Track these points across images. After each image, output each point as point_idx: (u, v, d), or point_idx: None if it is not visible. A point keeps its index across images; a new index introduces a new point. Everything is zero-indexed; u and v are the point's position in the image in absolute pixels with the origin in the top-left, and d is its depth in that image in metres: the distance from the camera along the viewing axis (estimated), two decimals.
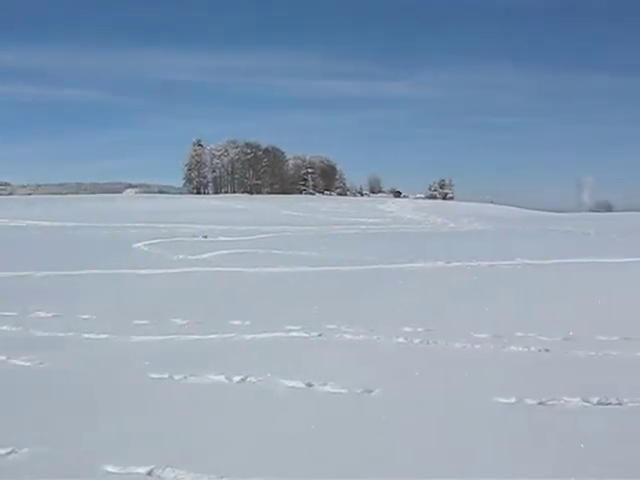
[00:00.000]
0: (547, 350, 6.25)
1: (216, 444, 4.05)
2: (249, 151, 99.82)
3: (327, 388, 5.13)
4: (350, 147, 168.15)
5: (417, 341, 6.64)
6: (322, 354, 6.20)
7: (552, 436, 4.16)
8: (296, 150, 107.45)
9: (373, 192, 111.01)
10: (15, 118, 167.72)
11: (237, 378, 5.37)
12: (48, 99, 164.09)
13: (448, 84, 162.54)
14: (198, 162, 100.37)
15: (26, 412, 4.69)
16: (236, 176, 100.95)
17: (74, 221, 28.58)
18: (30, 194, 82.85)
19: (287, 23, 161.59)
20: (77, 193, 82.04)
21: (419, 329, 7.04)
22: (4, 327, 7.36)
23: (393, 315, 7.91)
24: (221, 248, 16.69)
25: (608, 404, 4.72)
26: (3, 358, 6.06)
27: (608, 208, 78.09)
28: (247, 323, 7.41)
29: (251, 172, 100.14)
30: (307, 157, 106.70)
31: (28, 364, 5.88)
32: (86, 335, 6.95)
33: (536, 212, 57.13)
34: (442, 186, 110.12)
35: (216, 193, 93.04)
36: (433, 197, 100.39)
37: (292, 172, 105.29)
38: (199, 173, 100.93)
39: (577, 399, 4.79)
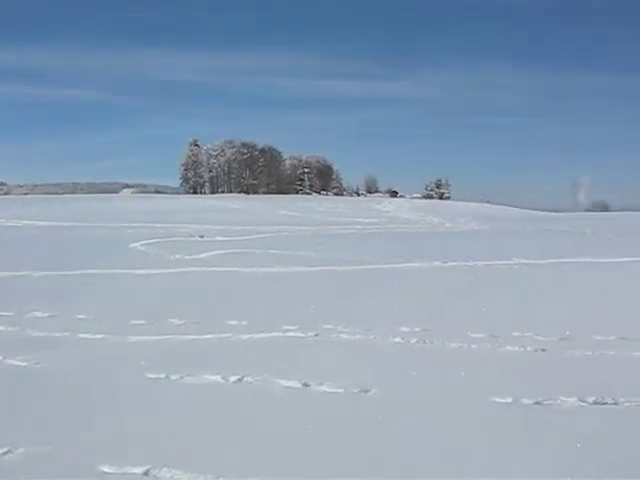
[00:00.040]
0: (544, 350, 6.26)
1: (213, 444, 4.05)
2: (246, 151, 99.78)
3: (324, 388, 5.13)
4: (347, 147, 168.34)
5: (414, 341, 6.64)
6: (319, 354, 6.20)
7: (549, 436, 4.16)
8: (292, 150, 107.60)
9: (370, 192, 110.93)
10: (11, 118, 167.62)
11: (234, 378, 5.37)
12: (45, 99, 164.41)
13: (445, 84, 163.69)
14: (195, 162, 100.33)
15: (22, 412, 4.69)
16: (233, 176, 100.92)
17: (71, 221, 28.53)
18: (27, 194, 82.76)
19: (285, 23, 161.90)
20: (74, 193, 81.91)
21: (416, 329, 7.04)
22: (0, 327, 7.36)
23: (390, 315, 7.91)
24: (218, 248, 16.68)
25: (604, 404, 4.73)
26: None
27: (604, 208, 78.15)
28: (244, 323, 7.41)
29: (248, 172, 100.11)
30: (303, 157, 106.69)
31: (24, 364, 5.87)
32: (82, 335, 6.95)
33: (532, 212, 57.15)
34: (439, 186, 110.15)
35: (213, 193, 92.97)
36: (430, 197, 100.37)
37: (289, 172, 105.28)
38: (196, 173, 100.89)
39: (573, 399, 4.80)
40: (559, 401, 4.77)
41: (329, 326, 7.21)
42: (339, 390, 5.07)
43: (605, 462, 3.74)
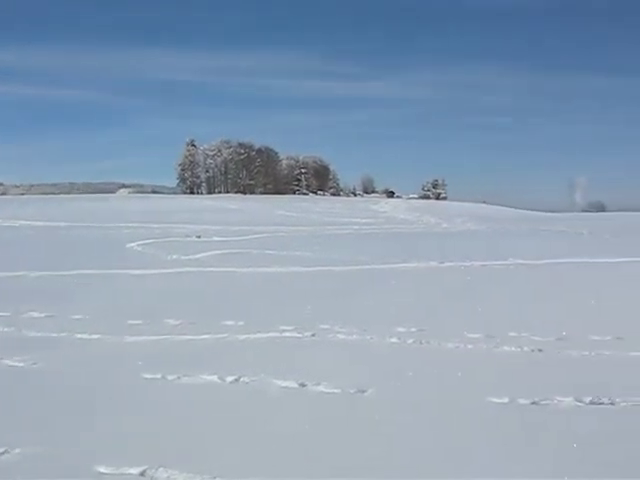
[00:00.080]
0: (540, 350, 6.26)
1: (209, 444, 4.05)
2: (242, 151, 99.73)
3: (320, 388, 5.13)
4: (343, 147, 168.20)
5: (410, 341, 6.65)
6: (315, 354, 6.20)
7: (545, 436, 4.17)
8: (289, 150, 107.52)
9: (366, 192, 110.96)
10: (7, 118, 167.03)
11: (230, 378, 5.37)
12: (41, 99, 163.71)
13: (441, 84, 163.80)
14: (191, 162, 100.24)
15: (19, 412, 4.68)
16: (229, 176, 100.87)
17: (67, 221, 28.51)
18: (23, 194, 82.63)
19: (281, 24, 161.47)
20: (70, 193, 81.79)
21: (412, 329, 7.04)
22: None
23: (386, 315, 7.92)
24: (214, 248, 16.67)
25: (601, 404, 4.73)
26: None
27: (601, 208, 78.24)
28: (240, 323, 7.41)
29: (244, 172, 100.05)
30: (300, 157, 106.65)
31: (21, 364, 5.86)
32: (79, 335, 6.94)
33: (529, 212, 57.21)
34: (435, 186, 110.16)
35: (209, 193, 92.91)
36: (426, 197, 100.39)
37: (285, 172, 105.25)
38: (192, 173, 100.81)
39: (570, 399, 4.80)
40: (555, 401, 4.78)
41: (326, 326, 7.21)
42: (336, 390, 5.07)
43: (602, 462, 3.75)
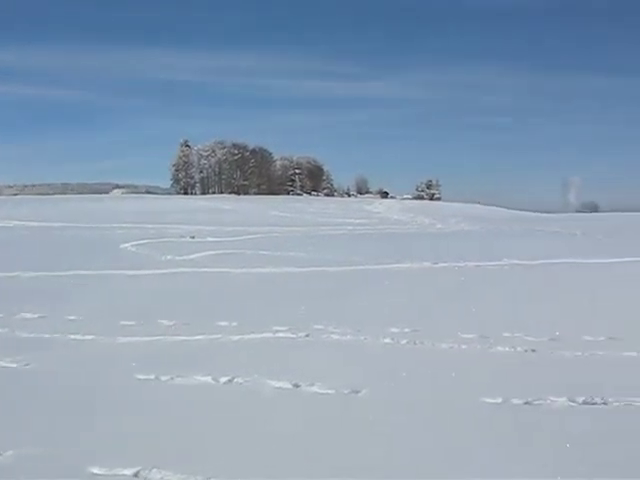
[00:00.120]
0: (533, 350, 6.28)
1: (203, 445, 4.05)
2: (236, 152, 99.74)
3: (314, 389, 5.13)
4: (337, 148, 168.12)
5: (404, 342, 6.65)
6: (309, 355, 6.20)
7: (538, 436, 4.18)
8: (283, 151, 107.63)
9: (360, 193, 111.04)
10: (5, 118, 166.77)
11: (224, 379, 5.37)
12: (35, 99, 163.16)
13: (435, 85, 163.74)
14: (185, 163, 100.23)
15: (11, 414, 4.67)
16: (223, 177, 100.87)
17: (61, 221, 28.44)
18: (17, 194, 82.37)
19: (275, 24, 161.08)
20: (64, 193, 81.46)
21: (406, 330, 7.05)
22: None
23: (380, 316, 7.92)
24: (209, 249, 16.66)
25: (594, 404, 4.75)
26: None
27: (594, 209, 78.45)
28: (234, 324, 7.41)
29: (238, 173, 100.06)
30: (294, 158, 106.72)
31: (14, 365, 5.85)
32: (72, 336, 6.93)
33: (523, 213, 57.30)
34: (429, 186, 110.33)
35: (203, 194, 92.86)
36: (420, 198, 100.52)
37: (279, 173, 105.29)
38: (186, 174, 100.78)
39: (563, 399, 4.82)
40: (549, 401, 4.79)
41: (320, 327, 7.21)
42: (330, 391, 5.07)
43: (594, 462, 3.76)
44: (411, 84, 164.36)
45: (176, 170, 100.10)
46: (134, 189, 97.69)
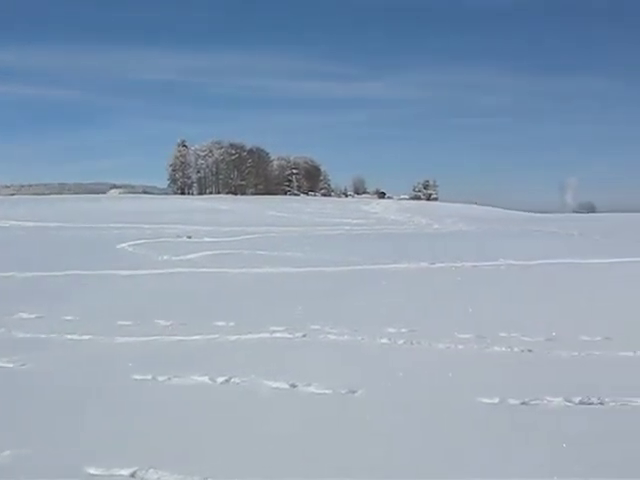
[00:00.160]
0: (530, 350, 6.28)
1: (200, 445, 4.04)
2: (234, 152, 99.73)
3: (311, 389, 5.13)
4: (334, 148, 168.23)
5: (401, 342, 6.65)
6: (306, 355, 6.20)
7: (535, 436, 4.18)
8: (280, 151, 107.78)
9: (357, 193, 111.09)
10: (4, 118, 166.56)
11: (221, 379, 5.36)
12: (33, 99, 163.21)
13: (432, 85, 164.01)
14: (182, 163, 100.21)
15: (8, 414, 4.67)
16: (220, 177, 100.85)
17: (58, 221, 28.43)
18: (13, 194, 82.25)
19: (271, 23, 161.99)
20: (60, 193, 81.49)
21: (403, 330, 7.05)
22: None
23: (377, 316, 7.93)
24: (205, 249, 16.65)
25: (590, 404, 4.75)
26: None
27: (591, 209, 78.67)
28: (231, 324, 7.40)
29: (236, 173, 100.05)
30: (291, 158, 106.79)
31: (10, 365, 5.84)
32: (69, 336, 6.92)
33: (520, 213, 57.41)
34: (426, 187, 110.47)
35: (200, 194, 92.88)
36: (417, 198, 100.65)
37: (276, 173, 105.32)
38: (183, 174, 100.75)
39: (559, 399, 4.82)
40: (545, 401, 4.79)
41: (317, 327, 7.21)
42: (327, 391, 5.07)
43: (591, 462, 3.76)
44: (409, 84, 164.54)
45: (173, 170, 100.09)
46: (131, 189, 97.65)
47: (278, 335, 6.92)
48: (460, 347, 6.40)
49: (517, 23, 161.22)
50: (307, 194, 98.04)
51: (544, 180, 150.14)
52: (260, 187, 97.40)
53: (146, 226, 25.85)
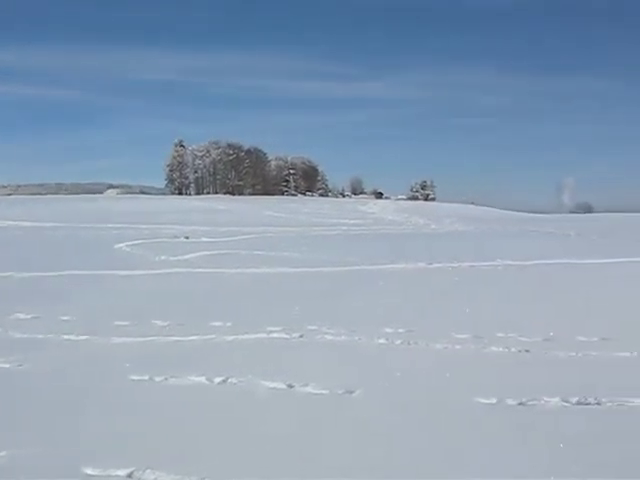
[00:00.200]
0: (527, 351, 6.28)
1: (197, 446, 4.04)
2: (231, 152, 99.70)
3: (308, 389, 5.13)
4: (332, 148, 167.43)
5: (398, 342, 6.65)
6: (303, 355, 6.20)
7: (532, 436, 4.18)
8: (278, 151, 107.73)
9: (355, 193, 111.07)
10: (4, 118, 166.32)
11: (218, 379, 5.36)
12: (30, 99, 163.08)
13: (430, 85, 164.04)
14: (180, 163, 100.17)
15: (4, 414, 4.66)
16: (218, 177, 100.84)
17: (55, 222, 28.37)
18: (10, 194, 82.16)
19: (271, 23, 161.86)
20: (57, 193, 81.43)
21: (400, 330, 7.05)
22: None
23: (374, 316, 7.93)
24: (203, 249, 16.64)
25: (587, 404, 4.76)
26: None
27: (588, 209, 78.71)
28: (228, 324, 7.40)
29: (233, 173, 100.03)
30: (289, 158, 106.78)
31: (7, 366, 5.83)
32: (66, 336, 6.91)
33: (517, 213, 57.46)
34: (424, 187, 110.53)
35: (198, 194, 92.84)
36: (415, 198, 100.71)
37: (274, 173, 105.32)
38: (181, 174, 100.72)
39: (557, 399, 4.82)
40: (543, 401, 4.80)
41: (314, 327, 7.21)
42: (324, 391, 5.07)
43: (588, 462, 3.77)
44: (409, 84, 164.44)
45: (170, 170, 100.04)
46: (128, 189, 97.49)
47: (275, 335, 6.91)
48: (457, 347, 6.41)
49: (517, 23, 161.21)
50: (304, 194, 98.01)
51: (542, 180, 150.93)
52: (258, 187, 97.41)
53: (143, 226, 25.82)
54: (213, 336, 6.87)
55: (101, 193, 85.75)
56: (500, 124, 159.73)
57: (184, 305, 8.90)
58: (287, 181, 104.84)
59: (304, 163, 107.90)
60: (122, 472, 3.67)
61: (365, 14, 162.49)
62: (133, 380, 5.41)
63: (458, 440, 4.12)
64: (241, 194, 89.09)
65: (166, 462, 3.78)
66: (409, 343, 6.59)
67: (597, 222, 34.36)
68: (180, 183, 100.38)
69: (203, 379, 5.38)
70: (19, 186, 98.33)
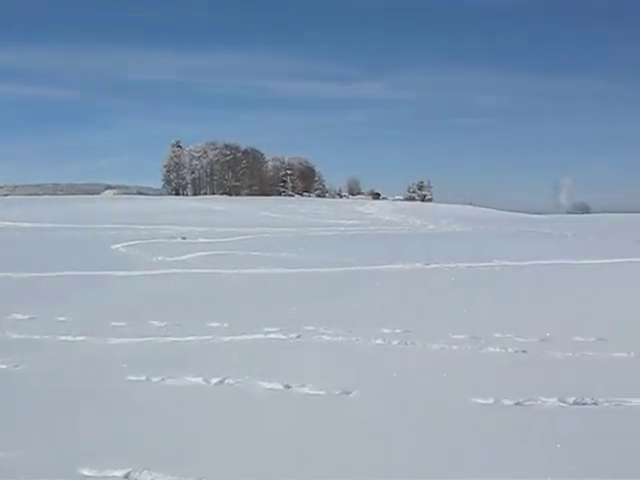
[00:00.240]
0: (524, 351, 6.29)
1: (194, 446, 4.04)
2: (228, 152, 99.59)
3: (305, 390, 5.13)
4: (329, 149, 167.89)
5: (395, 342, 6.66)
6: (300, 356, 6.20)
7: (529, 436, 4.19)
8: (275, 152, 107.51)
9: (352, 194, 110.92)
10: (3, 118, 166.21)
11: (215, 380, 5.36)
12: (30, 99, 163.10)
13: (427, 85, 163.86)
14: (177, 163, 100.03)
15: (0, 415, 4.65)
16: (215, 177, 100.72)
17: (53, 222, 28.34)
18: (7, 195, 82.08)
19: (271, 23, 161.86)
20: (54, 194, 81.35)
21: (397, 330, 7.05)
22: None
23: (371, 316, 7.93)
24: (200, 250, 16.63)
25: (584, 404, 4.76)
26: None
27: (585, 210, 78.70)
28: (225, 325, 7.40)
29: (230, 174, 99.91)
30: (286, 159, 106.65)
31: (3, 367, 5.82)
32: (63, 337, 6.90)
33: (514, 214, 57.45)
34: (421, 188, 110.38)
35: (195, 194, 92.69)
36: (412, 199, 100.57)
37: (271, 174, 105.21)
38: (178, 174, 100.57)
39: (554, 399, 4.83)
40: (539, 402, 4.80)
41: (311, 328, 7.21)
42: (321, 392, 5.07)
43: (585, 462, 3.77)
44: (409, 84, 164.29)
45: (167, 171, 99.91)
46: (125, 190, 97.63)
47: (272, 336, 6.91)
48: (454, 348, 6.41)
49: (517, 23, 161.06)
50: (301, 195, 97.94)
51: (540, 181, 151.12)
52: (255, 188, 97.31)
53: (141, 227, 25.81)
54: (210, 337, 6.87)
55: (98, 194, 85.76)
56: (499, 124, 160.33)
57: (181, 306, 8.89)
58: (284, 182, 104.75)
59: (301, 164, 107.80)
60: (119, 473, 3.67)
61: (365, 14, 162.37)
62: (130, 381, 5.41)
63: (455, 440, 4.13)
64: (238, 195, 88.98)
65: (163, 463, 3.78)
66: (406, 343, 6.60)
67: (594, 222, 34.38)
68: (177, 184, 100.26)
69: (200, 380, 5.38)
70: (16, 187, 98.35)
